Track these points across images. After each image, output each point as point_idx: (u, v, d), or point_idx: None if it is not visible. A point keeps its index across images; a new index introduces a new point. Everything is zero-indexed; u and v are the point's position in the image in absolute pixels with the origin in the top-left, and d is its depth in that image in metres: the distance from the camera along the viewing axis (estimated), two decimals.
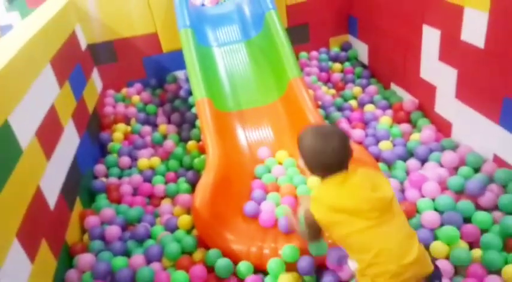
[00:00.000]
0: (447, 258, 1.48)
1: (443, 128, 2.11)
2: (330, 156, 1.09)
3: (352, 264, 1.16)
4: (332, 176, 1.10)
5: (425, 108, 2.25)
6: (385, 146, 2.07)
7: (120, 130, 2.47)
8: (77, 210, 1.85)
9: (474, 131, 1.88)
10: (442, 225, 1.57)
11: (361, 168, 1.14)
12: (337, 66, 2.89)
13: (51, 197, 1.61)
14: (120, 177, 2.17)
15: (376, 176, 1.15)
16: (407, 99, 2.37)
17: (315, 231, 1.20)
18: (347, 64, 2.91)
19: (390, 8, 2.37)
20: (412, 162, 1.93)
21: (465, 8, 1.76)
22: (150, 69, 2.86)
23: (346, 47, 3.02)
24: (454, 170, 1.84)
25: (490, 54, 1.68)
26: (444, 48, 1.98)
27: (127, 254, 1.68)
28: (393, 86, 2.55)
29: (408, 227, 1.11)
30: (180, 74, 2.88)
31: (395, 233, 1.06)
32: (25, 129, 1.50)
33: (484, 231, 1.54)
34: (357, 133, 2.18)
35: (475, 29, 1.73)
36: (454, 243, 1.50)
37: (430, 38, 2.06)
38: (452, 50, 1.92)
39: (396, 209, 1.10)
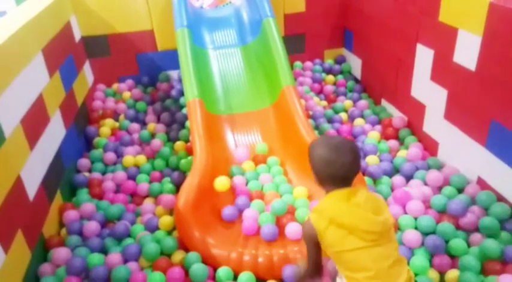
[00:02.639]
0: None
1: (430, 146, 2.13)
2: (339, 169, 1.08)
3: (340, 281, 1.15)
4: (337, 190, 1.10)
5: (414, 126, 2.27)
6: (372, 160, 2.08)
7: (107, 125, 2.44)
8: (57, 203, 1.81)
9: (460, 152, 1.90)
10: (422, 244, 1.58)
11: (365, 188, 1.12)
12: (330, 78, 2.91)
13: (31, 188, 1.58)
14: (103, 173, 2.14)
15: (378, 201, 1.14)
16: (397, 116, 2.39)
17: (314, 252, 1.18)
18: (340, 77, 2.93)
19: (386, 25, 2.40)
20: (397, 179, 1.94)
21: (459, 30, 1.79)
22: (144, 66, 2.84)
23: (340, 60, 3.04)
24: (438, 189, 1.86)
25: (481, 77, 1.71)
26: (436, 69, 2.01)
27: (104, 251, 1.65)
28: (384, 102, 2.58)
29: (399, 253, 1.12)
30: (173, 73, 2.87)
31: (387, 257, 1.06)
32: (10, 117, 1.47)
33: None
34: None
35: (467, 51, 1.76)
36: (423, 275, 1.48)
37: (423, 57, 2.08)
38: (444, 70, 1.95)
39: (392, 236, 1.11)
